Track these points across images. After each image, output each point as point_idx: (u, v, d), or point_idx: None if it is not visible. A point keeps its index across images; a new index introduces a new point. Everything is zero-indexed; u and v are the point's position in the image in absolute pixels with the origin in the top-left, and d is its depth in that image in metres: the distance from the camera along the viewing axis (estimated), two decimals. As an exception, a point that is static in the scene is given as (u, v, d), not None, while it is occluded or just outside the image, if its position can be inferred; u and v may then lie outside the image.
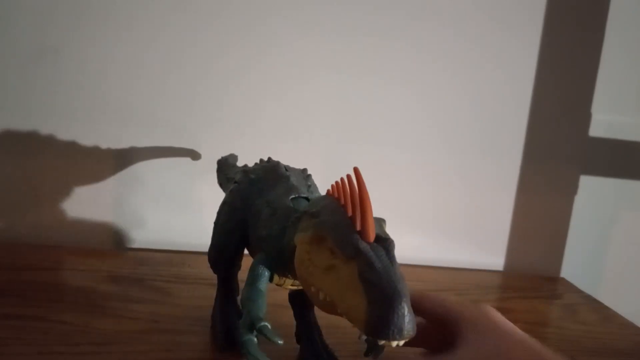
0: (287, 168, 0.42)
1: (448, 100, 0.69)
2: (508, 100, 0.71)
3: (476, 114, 0.70)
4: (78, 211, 0.64)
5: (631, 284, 0.77)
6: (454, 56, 0.69)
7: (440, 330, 0.36)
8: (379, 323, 0.26)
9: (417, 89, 0.69)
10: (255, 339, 0.33)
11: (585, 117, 0.73)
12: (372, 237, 0.29)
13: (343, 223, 0.30)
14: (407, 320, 0.27)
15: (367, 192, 0.29)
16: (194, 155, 0.65)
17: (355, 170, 0.30)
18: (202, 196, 0.65)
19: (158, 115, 0.64)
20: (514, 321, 0.57)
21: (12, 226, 0.63)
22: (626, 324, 0.60)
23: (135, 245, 0.66)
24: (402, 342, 0.27)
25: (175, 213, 0.66)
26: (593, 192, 0.75)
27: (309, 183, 0.42)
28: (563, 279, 0.75)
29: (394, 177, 0.70)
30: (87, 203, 0.64)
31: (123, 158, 0.64)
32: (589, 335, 0.56)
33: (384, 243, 0.29)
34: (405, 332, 0.26)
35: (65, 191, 0.64)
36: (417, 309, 0.39)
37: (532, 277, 0.73)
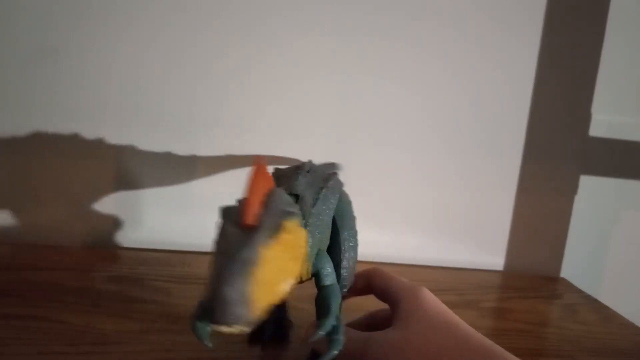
0: (311, 168, 0.42)
1: (448, 100, 0.70)
2: (508, 100, 0.71)
3: (476, 114, 0.70)
4: (78, 211, 0.64)
5: (631, 284, 0.77)
6: (454, 56, 0.69)
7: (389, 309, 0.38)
8: (204, 305, 0.26)
9: (416, 89, 0.69)
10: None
11: (585, 117, 0.73)
12: (245, 221, 0.28)
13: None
14: (228, 306, 0.25)
15: (255, 179, 0.29)
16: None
17: (255, 159, 0.30)
18: (203, 196, 0.65)
19: (158, 115, 0.64)
20: (514, 321, 0.57)
21: (12, 226, 0.63)
22: (626, 324, 0.60)
23: (135, 245, 0.66)
24: (227, 329, 0.26)
25: (175, 213, 0.66)
26: (593, 192, 0.75)
27: (324, 185, 0.41)
28: (563, 279, 0.75)
29: (394, 177, 0.70)
30: (87, 203, 0.64)
31: (123, 158, 0.64)
32: (589, 335, 0.56)
33: (251, 229, 0.28)
34: (226, 318, 0.25)
35: (65, 191, 0.64)
36: (367, 285, 0.40)
37: (532, 277, 0.73)
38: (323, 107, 0.67)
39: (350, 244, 0.40)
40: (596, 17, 0.71)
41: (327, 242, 0.40)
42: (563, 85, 0.72)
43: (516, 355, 0.50)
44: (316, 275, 0.37)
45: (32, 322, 0.44)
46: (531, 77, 0.71)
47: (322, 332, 0.34)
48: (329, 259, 0.38)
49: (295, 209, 0.31)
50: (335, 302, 0.36)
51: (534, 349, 0.52)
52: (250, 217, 0.28)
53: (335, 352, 0.34)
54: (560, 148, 0.73)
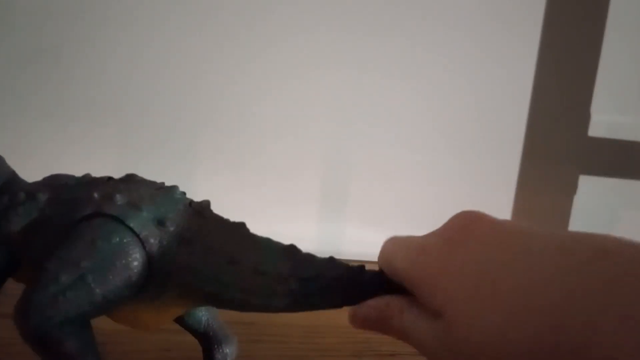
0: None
1: (447, 99, 0.70)
2: (507, 99, 0.71)
3: (475, 114, 0.70)
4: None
5: (631, 283, 0.77)
6: (453, 56, 0.69)
7: None
8: None
9: (415, 88, 0.69)
10: None
11: (584, 117, 0.73)
12: None
13: None
14: None
15: None
16: None
17: None
18: (201, 195, 0.65)
19: (157, 114, 0.64)
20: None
21: (12, 226, 0.63)
22: (626, 324, 0.60)
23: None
24: None
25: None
26: (593, 192, 0.75)
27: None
28: (563, 278, 0.74)
29: (392, 176, 0.70)
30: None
31: (121, 158, 0.64)
32: (588, 334, 0.56)
33: None
34: None
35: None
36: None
37: (532, 277, 0.72)
38: (320, 105, 0.67)
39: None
40: (596, 16, 0.71)
41: None
42: (562, 85, 0.72)
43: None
44: None
45: (32, 322, 0.44)
46: (530, 77, 0.71)
47: None
48: None
49: None
50: None
51: (534, 349, 0.52)
52: None
53: None
54: (560, 148, 0.73)
